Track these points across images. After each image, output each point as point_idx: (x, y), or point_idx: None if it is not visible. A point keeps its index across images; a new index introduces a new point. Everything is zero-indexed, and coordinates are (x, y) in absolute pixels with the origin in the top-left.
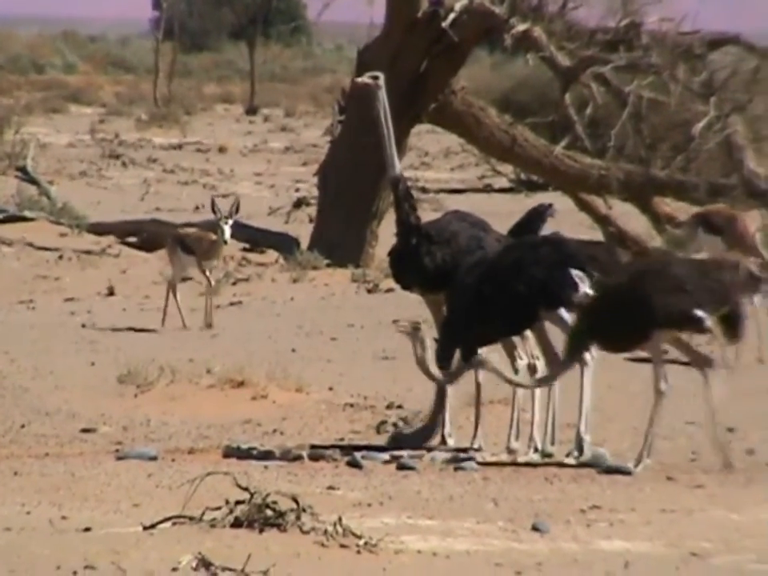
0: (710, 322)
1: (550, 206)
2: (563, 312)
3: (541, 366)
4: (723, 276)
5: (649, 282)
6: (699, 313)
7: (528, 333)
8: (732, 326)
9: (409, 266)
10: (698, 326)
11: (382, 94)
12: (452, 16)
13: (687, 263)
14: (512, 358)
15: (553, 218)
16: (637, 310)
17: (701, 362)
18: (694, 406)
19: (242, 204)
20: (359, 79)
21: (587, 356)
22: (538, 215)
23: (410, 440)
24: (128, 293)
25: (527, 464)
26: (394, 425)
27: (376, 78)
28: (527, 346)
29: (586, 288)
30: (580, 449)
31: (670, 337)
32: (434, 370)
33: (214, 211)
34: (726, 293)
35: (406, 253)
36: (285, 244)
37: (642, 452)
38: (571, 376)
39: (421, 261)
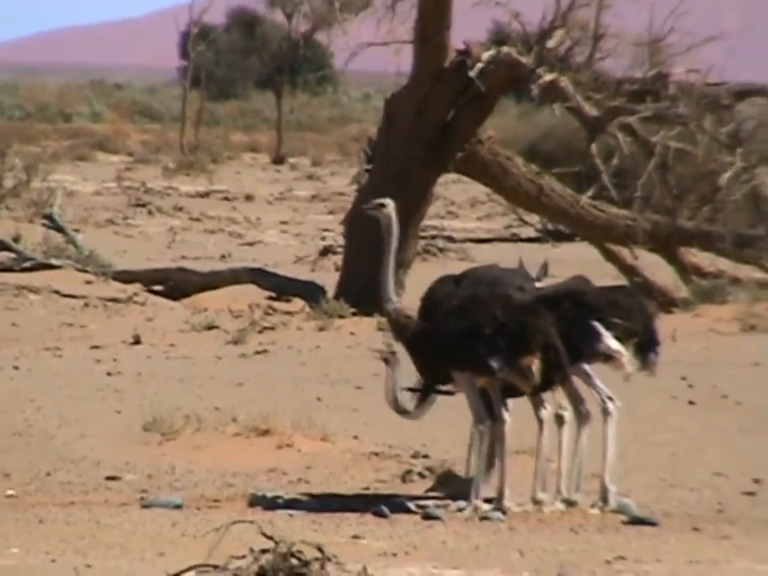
0: (503, 373)
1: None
2: (585, 365)
3: (568, 416)
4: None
5: (452, 323)
6: (493, 362)
7: None
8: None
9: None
10: (489, 374)
11: (389, 221)
12: (479, 66)
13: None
14: (536, 408)
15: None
16: (438, 349)
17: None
18: (720, 457)
19: (268, 252)
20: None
21: (611, 406)
22: None
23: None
24: (154, 341)
25: (553, 515)
26: (420, 474)
27: (383, 205)
28: (555, 396)
29: (609, 338)
30: (605, 499)
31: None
32: (403, 401)
33: None
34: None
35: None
36: (311, 292)
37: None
38: (597, 426)
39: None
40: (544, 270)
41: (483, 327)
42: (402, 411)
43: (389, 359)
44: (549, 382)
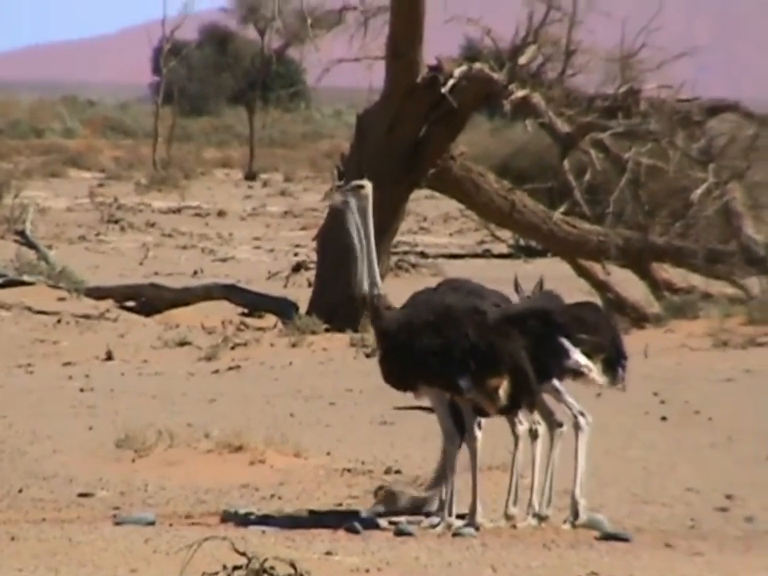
0: (471, 393)
1: None
2: (555, 382)
3: (542, 430)
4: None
5: (424, 338)
6: (462, 382)
7: None
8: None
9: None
10: (457, 393)
11: (366, 203)
12: (451, 82)
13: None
14: (512, 423)
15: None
16: (409, 359)
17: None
18: (692, 473)
19: (241, 268)
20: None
21: (583, 421)
22: None
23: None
24: (126, 357)
25: (525, 530)
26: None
27: (361, 187)
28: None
29: (577, 354)
30: (575, 513)
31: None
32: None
33: (516, 289)
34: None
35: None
36: (283, 308)
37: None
38: (569, 441)
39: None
40: (540, 286)
41: (455, 346)
42: (361, 296)
43: (343, 208)
44: (516, 404)
